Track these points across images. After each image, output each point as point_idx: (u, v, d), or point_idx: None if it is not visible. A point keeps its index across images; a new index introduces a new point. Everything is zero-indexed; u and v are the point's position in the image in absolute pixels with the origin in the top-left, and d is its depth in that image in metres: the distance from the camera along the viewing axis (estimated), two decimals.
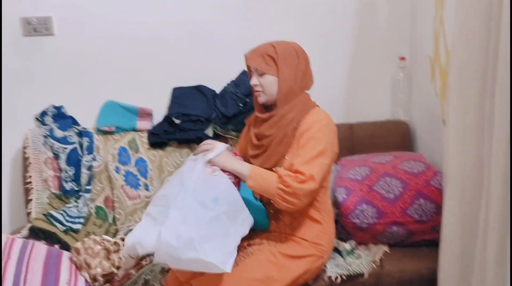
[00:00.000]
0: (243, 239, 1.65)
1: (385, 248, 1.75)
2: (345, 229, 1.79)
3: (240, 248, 1.64)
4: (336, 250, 1.75)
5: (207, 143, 1.61)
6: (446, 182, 1.48)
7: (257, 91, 1.61)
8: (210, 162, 1.53)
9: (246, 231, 1.51)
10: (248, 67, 1.64)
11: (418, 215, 1.71)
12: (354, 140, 2.16)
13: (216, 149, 1.56)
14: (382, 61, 2.27)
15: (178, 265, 1.41)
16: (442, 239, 1.50)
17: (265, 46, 1.61)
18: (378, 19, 2.23)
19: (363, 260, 1.69)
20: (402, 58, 2.23)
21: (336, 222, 1.78)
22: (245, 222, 1.51)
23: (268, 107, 1.66)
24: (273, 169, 1.53)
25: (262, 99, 1.62)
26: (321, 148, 1.50)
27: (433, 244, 1.68)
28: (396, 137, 2.17)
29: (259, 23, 2.21)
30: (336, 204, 1.82)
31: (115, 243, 1.73)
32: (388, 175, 1.80)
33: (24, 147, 2.08)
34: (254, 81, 1.61)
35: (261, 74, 1.59)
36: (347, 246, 1.75)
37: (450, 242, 1.42)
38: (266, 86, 1.58)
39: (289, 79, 1.57)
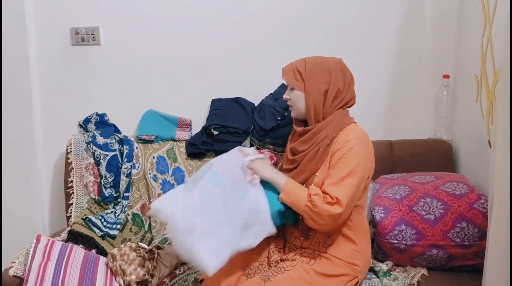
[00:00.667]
0: (276, 254, 1.64)
1: (424, 272, 1.69)
2: (382, 249, 1.74)
3: (272, 263, 1.63)
4: (372, 270, 1.71)
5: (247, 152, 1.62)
6: (492, 206, 1.42)
7: (289, 106, 1.65)
8: (251, 168, 1.55)
9: (256, 243, 1.51)
10: None
11: (460, 239, 1.65)
12: (394, 158, 2.11)
13: (256, 154, 1.59)
14: (425, 78, 2.22)
15: (177, 246, 1.44)
16: (486, 266, 1.43)
17: (298, 61, 1.63)
18: (423, 35, 2.20)
19: (400, 282, 1.63)
20: (446, 76, 2.18)
21: (373, 241, 1.74)
22: (260, 234, 1.51)
23: (306, 122, 1.66)
24: (309, 186, 1.53)
25: (292, 113, 1.66)
26: (350, 169, 1.48)
27: (476, 270, 1.61)
28: (437, 156, 2.10)
29: (300, 38, 2.22)
30: (373, 223, 1.78)
31: (150, 251, 1.74)
32: (429, 195, 1.74)
33: (67, 153, 2.15)
34: (285, 95, 1.66)
35: (291, 89, 1.63)
36: (383, 266, 1.70)
37: (495, 270, 1.36)
38: (294, 100, 1.62)
39: (315, 95, 1.57)
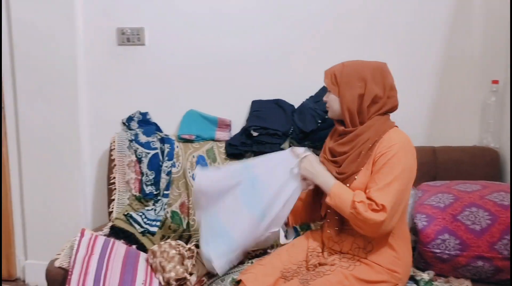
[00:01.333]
0: (314, 257, 1.64)
1: (468, 283, 1.64)
2: (423, 258, 1.70)
3: (311, 267, 1.62)
4: (413, 279, 1.67)
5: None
6: None
7: (327, 107, 1.68)
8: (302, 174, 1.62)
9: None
10: None
11: (508, 251, 1.58)
12: (437, 164, 2.05)
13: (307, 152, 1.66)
14: (473, 83, 2.15)
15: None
16: None
17: (338, 65, 1.64)
18: (472, 38, 2.13)
19: None
20: (495, 82, 2.10)
21: (414, 249, 1.70)
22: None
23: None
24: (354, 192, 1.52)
25: (329, 114, 1.68)
26: (395, 174, 1.47)
27: None
28: (483, 164, 2.03)
29: (341, 40, 2.20)
30: (414, 230, 1.74)
31: (190, 249, 1.77)
32: (474, 205, 1.68)
33: (111, 150, 2.20)
34: (324, 97, 1.69)
35: (329, 91, 1.64)
36: (425, 276, 1.66)
37: None
38: (330, 103, 1.64)
39: (349, 100, 1.57)
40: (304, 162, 1.61)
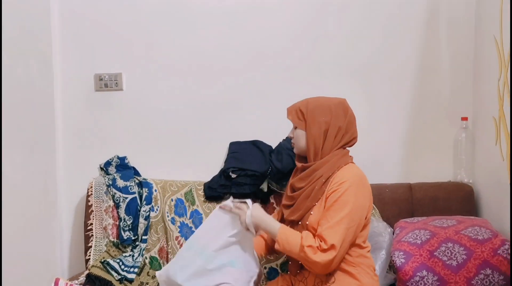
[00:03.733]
0: None
1: None
2: None
3: None
4: None
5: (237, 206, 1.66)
6: None
7: (292, 143, 1.71)
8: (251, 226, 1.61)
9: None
10: None
11: None
12: (414, 201, 2.08)
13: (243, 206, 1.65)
14: (444, 120, 2.22)
15: None
16: None
17: (302, 101, 1.69)
18: (440, 77, 2.21)
19: None
20: (464, 118, 2.17)
21: None
22: None
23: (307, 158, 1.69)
24: (305, 224, 1.56)
25: (295, 150, 1.71)
26: (346, 212, 1.51)
27: None
28: (458, 200, 2.07)
29: (317, 82, 2.25)
30: (393, 268, 1.73)
31: None
32: (450, 240, 1.70)
33: (88, 195, 2.18)
34: (289, 133, 1.73)
35: (295, 127, 1.69)
36: None
37: None
38: (296, 138, 1.67)
39: (316, 135, 1.61)
40: (254, 217, 1.60)
